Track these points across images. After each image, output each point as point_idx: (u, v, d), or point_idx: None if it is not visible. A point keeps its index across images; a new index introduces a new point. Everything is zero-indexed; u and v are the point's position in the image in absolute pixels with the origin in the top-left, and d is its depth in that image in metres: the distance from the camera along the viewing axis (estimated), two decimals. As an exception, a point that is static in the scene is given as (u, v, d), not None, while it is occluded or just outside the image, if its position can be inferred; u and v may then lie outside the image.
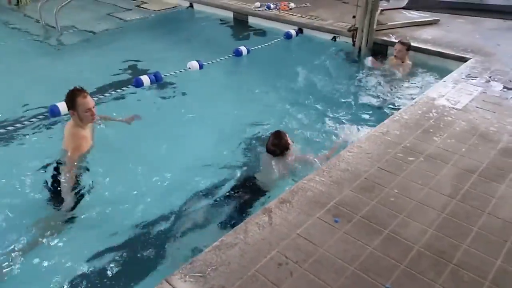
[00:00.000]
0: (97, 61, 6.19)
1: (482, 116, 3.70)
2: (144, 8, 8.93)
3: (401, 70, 5.27)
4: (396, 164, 2.96)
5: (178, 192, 3.20)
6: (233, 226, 2.52)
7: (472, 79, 4.53)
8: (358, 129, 4.11)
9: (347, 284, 1.99)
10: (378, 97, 4.82)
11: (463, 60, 5.18)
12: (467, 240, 2.28)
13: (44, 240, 2.72)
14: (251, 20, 7.74)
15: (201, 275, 2.02)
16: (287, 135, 3.39)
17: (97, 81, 5.17)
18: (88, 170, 3.15)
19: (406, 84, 5.08)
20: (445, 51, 5.50)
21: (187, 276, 2.01)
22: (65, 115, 4.13)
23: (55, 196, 3.00)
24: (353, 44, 6.16)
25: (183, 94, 5.04)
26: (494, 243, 2.27)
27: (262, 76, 5.60)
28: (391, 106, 4.59)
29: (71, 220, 2.88)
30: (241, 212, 2.97)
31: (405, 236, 2.30)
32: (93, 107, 3.21)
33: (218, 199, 3.14)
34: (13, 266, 2.52)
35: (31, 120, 4.21)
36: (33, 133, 4.01)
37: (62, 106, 4.12)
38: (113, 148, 3.54)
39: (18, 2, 9.18)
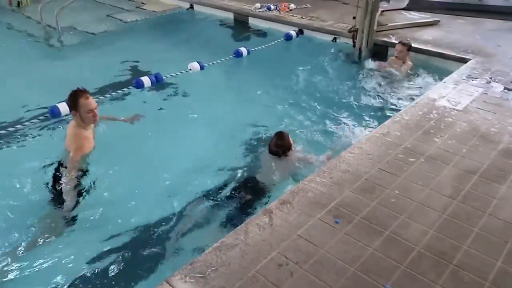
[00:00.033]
0: (97, 62, 6.20)
1: (482, 117, 3.70)
2: (144, 9, 8.92)
3: (401, 71, 5.27)
4: (396, 165, 2.96)
5: (179, 193, 3.21)
6: (233, 226, 2.52)
7: (472, 80, 4.53)
8: (359, 130, 4.11)
9: (347, 285, 1.99)
10: (378, 98, 4.82)
11: (464, 61, 5.18)
12: (467, 241, 2.28)
13: (45, 241, 2.72)
14: (252, 21, 7.74)
15: (201, 276, 2.02)
16: (289, 135, 3.39)
17: (98, 82, 5.17)
18: (89, 170, 3.15)
19: (406, 85, 5.07)
20: (445, 52, 5.50)
21: (187, 277, 2.01)
22: (65, 116, 4.14)
23: (56, 196, 3.00)
24: (354, 45, 6.16)
25: (184, 95, 5.04)
26: (495, 244, 2.27)
27: (263, 77, 5.60)
28: (391, 107, 4.59)
29: (72, 220, 2.89)
30: (242, 213, 2.97)
31: (405, 237, 2.30)
32: (95, 108, 3.22)
33: (219, 199, 3.14)
34: (13, 266, 2.52)
35: (32, 121, 4.21)
36: (34, 134, 4.01)
37: (63, 107, 4.13)
38: (113, 148, 3.54)
39: (18, 3, 9.20)
